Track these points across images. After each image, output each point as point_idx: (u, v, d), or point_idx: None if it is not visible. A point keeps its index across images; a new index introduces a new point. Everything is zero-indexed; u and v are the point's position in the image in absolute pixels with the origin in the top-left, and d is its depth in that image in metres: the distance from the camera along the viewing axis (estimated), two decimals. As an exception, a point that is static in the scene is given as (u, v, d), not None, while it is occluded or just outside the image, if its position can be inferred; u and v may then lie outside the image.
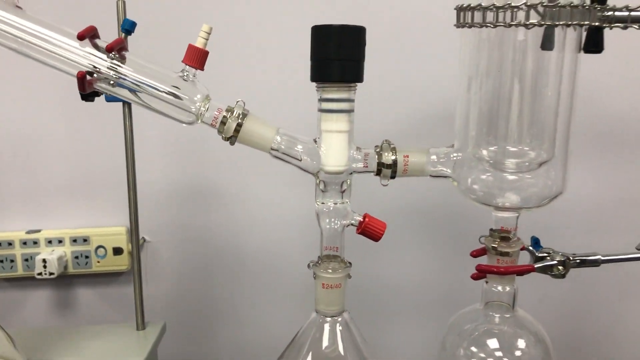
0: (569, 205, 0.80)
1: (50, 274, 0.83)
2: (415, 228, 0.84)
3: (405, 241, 0.84)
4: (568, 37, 0.45)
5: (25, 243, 0.85)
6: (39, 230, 0.85)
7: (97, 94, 0.53)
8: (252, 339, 0.90)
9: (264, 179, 0.84)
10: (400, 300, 0.87)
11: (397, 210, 0.83)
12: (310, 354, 0.51)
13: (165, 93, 0.49)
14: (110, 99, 0.53)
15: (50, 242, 0.85)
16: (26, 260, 0.85)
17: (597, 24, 0.44)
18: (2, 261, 0.85)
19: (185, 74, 0.49)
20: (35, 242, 0.85)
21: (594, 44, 0.44)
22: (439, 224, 0.83)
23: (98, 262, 0.86)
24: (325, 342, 0.51)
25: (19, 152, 0.83)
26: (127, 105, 0.68)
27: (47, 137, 0.83)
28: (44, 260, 0.82)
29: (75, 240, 0.86)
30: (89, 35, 0.47)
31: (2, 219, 0.86)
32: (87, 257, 0.86)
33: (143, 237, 0.87)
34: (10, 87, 0.81)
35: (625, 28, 0.44)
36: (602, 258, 0.51)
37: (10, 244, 0.85)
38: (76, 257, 0.86)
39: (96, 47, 0.49)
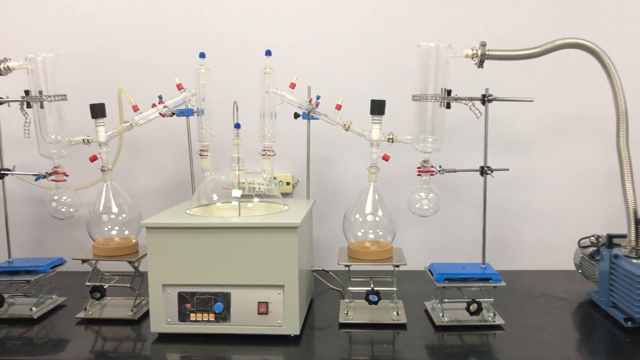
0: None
1: (260, 191, 2.08)
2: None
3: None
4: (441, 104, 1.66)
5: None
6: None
7: (299, 115, 1.79)
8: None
9: (350, 153, 2.07)
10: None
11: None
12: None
13: (327, 115, 1.74)
14: (305, 117, 1.79)
15: (260, 178, 2.11)
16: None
17: (448, 101, 1.65)
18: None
19: (336, 113, 1.73)
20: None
21: (447, 106, 1.65)
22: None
23: (279, 187, 2.12)
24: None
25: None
26: (309, 120, 1.91)
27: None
28: (259, 184, 2.09)
29: (271, 178, 2.11)
30: (294, 87, 1.73)
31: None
32: (275, 185, 2.11)
33: (297, 179, 2.12)
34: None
35: (458, 102, 1.65)
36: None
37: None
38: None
39: (310, 102, 1.74)
